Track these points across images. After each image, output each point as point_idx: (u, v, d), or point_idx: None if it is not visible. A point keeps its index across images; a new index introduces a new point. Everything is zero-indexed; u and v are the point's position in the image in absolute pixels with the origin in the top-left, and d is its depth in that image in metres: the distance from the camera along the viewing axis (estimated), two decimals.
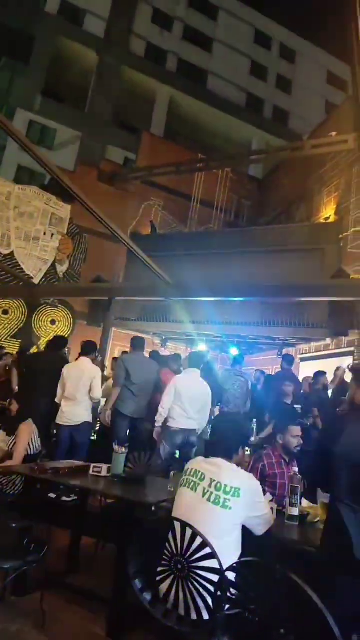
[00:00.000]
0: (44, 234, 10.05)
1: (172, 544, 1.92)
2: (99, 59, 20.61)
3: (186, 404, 4.43)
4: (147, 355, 5.65)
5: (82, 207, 5.21)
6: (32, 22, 19.60)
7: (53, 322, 10.09)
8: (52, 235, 10.20)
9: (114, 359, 6.64)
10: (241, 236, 10.68)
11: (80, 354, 4.84)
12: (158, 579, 1.95)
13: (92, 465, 2.94)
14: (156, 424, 4.50)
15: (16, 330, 9.53)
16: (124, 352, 6.49)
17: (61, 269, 10.43)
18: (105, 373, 6.47)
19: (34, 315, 9.43)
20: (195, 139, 21.47)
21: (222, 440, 2.22)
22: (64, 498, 2.71)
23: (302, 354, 9.65)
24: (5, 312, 9.43)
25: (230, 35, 24.02)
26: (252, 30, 24.81)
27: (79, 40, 20.35)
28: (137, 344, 5.18)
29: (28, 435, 3.20)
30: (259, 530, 2.12)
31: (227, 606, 1.84)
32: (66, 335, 8.91)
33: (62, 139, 19.06)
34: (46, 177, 13.46)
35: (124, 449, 2.98)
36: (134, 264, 9.09)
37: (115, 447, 3.00)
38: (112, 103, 20.59)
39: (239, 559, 1.97)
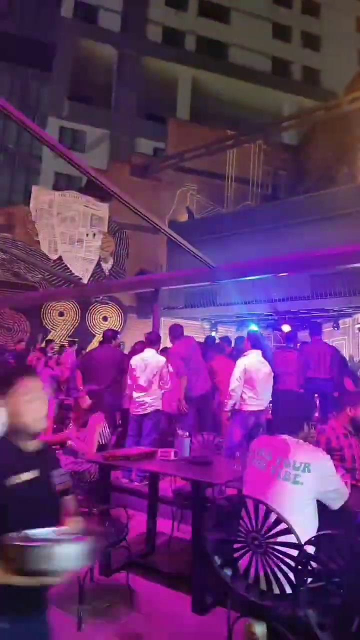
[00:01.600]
0: (87, 235, 10.34)
1: (247, 521, 1.95)
2: (117, 53, 20.60)
3: (255, 386, 4.45)
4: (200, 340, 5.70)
5: (119, 203, 5.28)
6: (50, 30, 19.94)
7: (105, 318, 10.41)
8: (94, 235, 10.47)
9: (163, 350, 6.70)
10: (281, 208, 10.32)
11: (146, 345, 4.99)
12: (236, 555, 1.99)
13: (160, 450, 3.03)
14: (226, 408, 4.54)
15: (72, 329, 9.96)
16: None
17: (106, 266, 10.71)
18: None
19: (87, 314, 9.78)
20: (222, 116, 20.92)
21: (285, 417, 2.20)
22: (136, 482, 2.81)
23: None
24: (61, 314, 9.86)
25: (247, 0, 22.98)
26: None
27: (97, 38, 20.44)
28: (177, 332, 5.27)
29: (99, 427, 3.37)
30: (335, 504, 2.08)
31: (309, 579, 1.85)
32: (118, 329, 9.18)
33: (93, 140, 19.37)
34: (82, 179, 13.78)
35: (187, 433, 3.04)
36: (175, 253, 9.10)
37: (179, 431, 3.07)
38: (136, 95, 20.54)
39: (317, 532, 1.96)
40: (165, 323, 9.87)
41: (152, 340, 5.02)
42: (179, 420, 4.72)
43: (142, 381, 4.71)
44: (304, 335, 9.57)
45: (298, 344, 6.96)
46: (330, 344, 6.44)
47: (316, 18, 24.20)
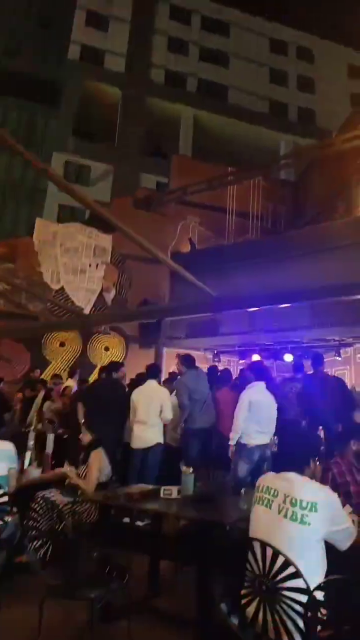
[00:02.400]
0: (90, 265, 10.46)
1: (254, 564, 1.87)
2: (122, 93, 21.53)
3: (260, 419, 4.37)
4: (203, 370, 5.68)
5: (122, 235, 5.38)
6: (58, 70, 20.93)
7: (107, 348, 10.39)
8: (97, 265, 10.60)
9: (168, 380, 6.67)
10: (281, 241, 10.51)
11: (148, 377, 4.94)
12: (243, 602, 1.90)
13: (163, 487, 2.95)
14: (231, 442, 4.44)
15: (73, 360, 9.91)
16: (172, 373, 6.54)
17: (109, 297, 10.77)
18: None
19: (88, 345, 9.76)
20: (223, 153, 21.64)
21: (290, 453, 2.16)
22: (138, 522, 2.73)
23: None
24: (62, 344, 9.85)
25: (245, 48, 24.29)
26: (265, 39, 24.96)
27: (103, 79, 21.42)
28: (189, 361, 5.22)
29: (99, 463, 3.29)
30: (343, 544, 2.01)
31: (319, 627, 1.76)
32: (120, 360, 9.13)
33: (97, 174, 19.95)
34: (86, 212, 14.09)
35: (191, 469, 2.97)
36: (178, 283, 9.20)
37: (183, 467, 3.00)
38: (140, 133, 21.32)
39: (325, 576, 1.89)
40: (168, 353, 9.88)
41: (152, 372, 4.98)
42: (183, 455, 4.63)
43: (143, 414, 4.63)
44: (307, 364, 9.52)
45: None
46: (333, 375, 6.39)
47: (310, 64, 25.47)
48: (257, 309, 6.66)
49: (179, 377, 5.41)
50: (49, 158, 18.62)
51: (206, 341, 9.96)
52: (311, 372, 6.07)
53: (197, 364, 5.43)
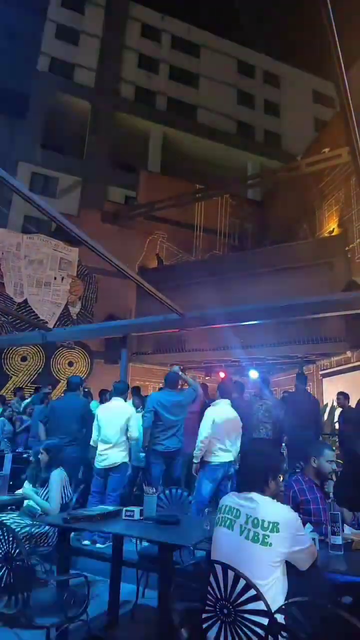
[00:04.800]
0: (55, 278, 10.29)
1: (215, 587, 1.85)
2: (92, 107, 21.58)
3: (224, 437, 4.37)
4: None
5: (89, 249, 5.33)
6: (25, 81, 20.74)
7: (71, 363, 10.17)
8: (63, 278, 10.44)
9: (134, 394, 6.62)
10: (247, 258, 10.77)
11: (114, 395, 4.84)
12: (204, 626, 1.87)
13: (124, 509, 2.88)
14: (194, 460, 4.40)
15: (35, 375, 9.63)
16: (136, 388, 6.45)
17: (74, 310, 10.61)
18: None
19: (51, 359, 9.52)
20: (191, 170, 22.03)
21: (252, 472, 2.16)
22: (99, 545, 2.64)
23: (324, 369, 9.50)
24: (24, 359, 9.55)
25: (214, 69, 25.02)
26: (234, 61, 25.82)
27: (72, 93, 21.39)
28: (168, 380, 5.12)
29: (60, 483, 3.18)
30: (304, 565, 2.03)
31: None
32: (83, 376, 8.94)
33: (64, 186, 19.75)
34: (52, 224, 13.88)
35: (154, 490, 2.92)
36: (144, 299, 9.17)
37: (146, 487, 2.95)
38: (108, 147, 21.37)
39: (286, 598, 1.89)
40: (134, 369, 9.80)
41: (119, 390, 4.89)
42: (146, 475, 4.55)
43: (108, 433, 4.53)
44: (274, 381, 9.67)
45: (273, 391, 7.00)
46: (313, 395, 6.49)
47: (276, 88, 26.55)
48: (223, 325, 6.73)
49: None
50: (15, 169, 18.30)
51: (173, 357, 9.96)
52: (293, 389, 6.14)
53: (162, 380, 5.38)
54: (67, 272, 10.50)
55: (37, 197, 4.67)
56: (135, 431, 4.63)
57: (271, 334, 8.70)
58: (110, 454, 4.47)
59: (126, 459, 4.57)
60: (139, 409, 5.55)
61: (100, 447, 4.52)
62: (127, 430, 4.55)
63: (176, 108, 23.69)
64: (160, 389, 5.72)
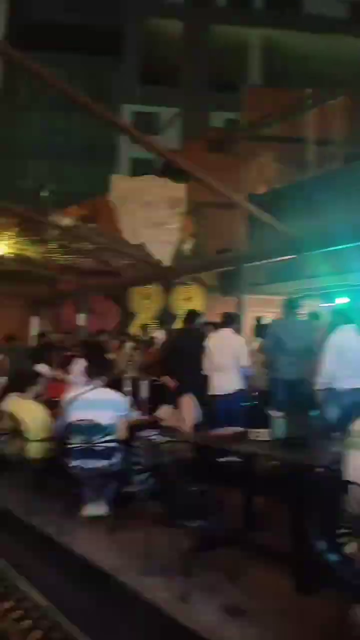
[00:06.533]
0: (166, 217, 10.46)
1: (353, 506, 1.87)
2: (184, 26, 20.15)
3: (353, 362, 4.22)
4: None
5: (196, 182, 5.24)
6: (117, 15, 20.10)
7: (188, 299, 10.56)
8: (174, 216, 10.56)
9: (257, 325, 6.68)
10: None
11: (222, 326, 4.97)
12: (341, 541, 1.93)
13: (252, 430, 3.02)
14: (320, 387, 4.36)
15: (157, 312, 10.28)
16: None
17: (186, 247, 10.78)
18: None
19: (170, 296, 10.00)
20: (299, 74, 19.50)
21: None
22: (231, 460, 2.86)
23: None
24: (145, 298, 10.22)
25: None
26: None
27: (163, 15, 20.17)
28: (288, 306, 5.07)
29: (190, 407, 3.46)
30: None
31: None
32: (200, 310, 9.23)
33: (166, 120, 19.38)
34: (158, 162, 13.88)
35: (281, 413, 2.98)
36: (256, 227, 8.82)
37: (271, 412, 3.02)
38: (205, 69, 20.01)
39: None
40: (250, 300, 9.75)
41: (227, 320, 4.98)
42: (271, 400, 4.65)
43: (219, 361, 4.69)
44: None
45: None
46: None
47: None
48: (344, 246, 6.17)
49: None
50: (118, 111, 18.42)
51: (289, 286, 9.60)
52: None
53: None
54: (176, 209, 10.55)
55: (144, 136, 4.68)
56: (246, 359, 4.71)
57: None
58: (223, 382, 4.65)
59: (240, 386, 4.71)
60: (259, 338, 5.60)
61: (215, 376, 4.73)
62: (238, 358, 4.66)
63: (276, 3, 20.73)
64: (279, 317, 5.62)
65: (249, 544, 2.94)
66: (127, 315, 10.47)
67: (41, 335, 9.11)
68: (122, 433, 3.52)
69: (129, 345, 7.75)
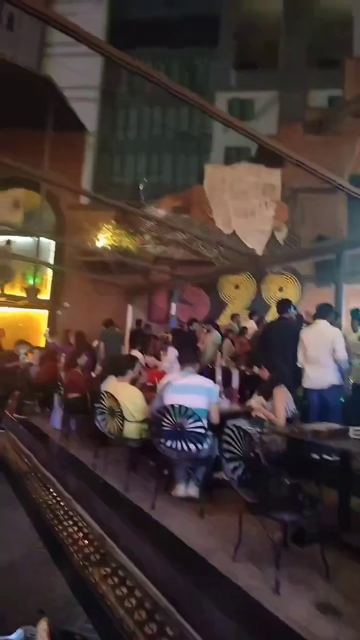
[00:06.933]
0: (259, 206, 10.23)
1: None
2: (283, 3, 19.25)
3: None
4: None
5: (292, 168, 5.01)
6: (213, 1, 19.90)
7: (281, 289, 10.25)
8: (267, 204, 10.28)
9: (353, 316, 6.27)
10: None
11: (317, 317, 4.76)
12: None
13: (352, 428, 2.85)
14: None
15: (249, 302, 10.14)
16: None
17: (280, 235, 10.44)
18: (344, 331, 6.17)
19: (262, 286, 9.78)
20: None
21: None
22: (327, 458, 2.73)
23: None
24: (237, 287, 10.13)
25: None
26: None
27: None
28: None
29: (284, 399, 3.38)
30: None
31: None
32: (295, 301, 8.89)
33: (261, 106, 18.82)
34: (251, 150, 13.58)
35: None
36: (358, 212, 8.23)
37: None
38: (305, 45, 18.93)
39: None
40: (350, 290, 9.16)
41: (323, 312, 4.73)
42: None
43: (313, 354, 4.49)
44: None
45: None
46: None
47: None
48: None
49: None
50: (213, 100, 18.32)
51: None
52: None
53: None
54: (270, 197, 10.26)
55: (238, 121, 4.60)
56: (342, 352, 4.45)
57: None
58: (317, 375, 4.46)
59: (336, 381, 4.47)
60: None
61: (308, 368, 4.54)
62: (333, 351, 4.41)
63: None
64: None
65: (343, 544, 2.80)
66: (219, 305, 10.50)
67: (138, 322, 9.58)
68: (213, 419, 3.57)
69: (215, 334, 7.79)
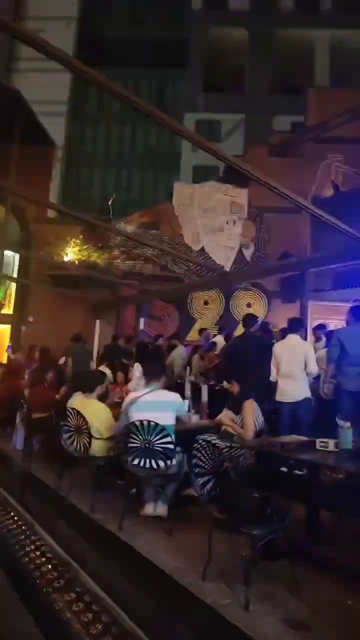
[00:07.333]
0: (227, 223, 10.45)
1: None
2: (249, 32, 20.14)
3: None
4: None
5: (258, 187, 5.17)
6: (182, 25, 20.56)
7: (249, 305, 10.43)
8: (234, 222, 10.52)
9: (316, 332, 6.48)
10: None
11: (289, 331, 4.87)
12: None
13: (318, 440, 2.90)
14: None
15: (217, 318, 10.25)
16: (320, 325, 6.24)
17: (248, 252, 10.68)
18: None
19: (231, 302, 9.93)
20: None
21: None
22: (296, 471, 2.75)
23: None
24: (206, 303, 10.23)
25: None
26: None
27: (227, 22, 20.32)
28: (354, 314, 4.82)
29: (253, 412, 3.40)
30: None
31: None
32: (262, 316, 9.08)
33: (228, 128, 19.43)
34: (219, 169, 13.94)
35: (349, 424, 2.84)
36: (320, 231, 8.53)
37: (340, 421, 2.88)
38: (270, 72, 19.82)
39: None
40: (314, 307, 9.43)
41: (294, 326, 4.88)
42: (338, 409, 4.46)
43: (286, 368, 4.59)
44: None
45: None
46: None
47: None
48: None
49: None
50: (181, 120, 18.76)
51: (355, 292, 9.15)
52: None
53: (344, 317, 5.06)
54: (238, 215, 10.52)
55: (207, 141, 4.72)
56: (314, 366, 4.58)
57: None
58: (290, 388, 4.55)
59: (308, 394, 4.59)
60: (324, 346, 5.40)
61: (281, 382, 4.63)
62: (305, 365, 4.54)
63: (344, 3, 20.07)
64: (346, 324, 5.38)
65: (312, 557, 2.81)
66: (189, 320, 10.54)
67: (113, 339, 9.39)
68: (181, 435, 3.54)
69: (181, 348, 7.80)
